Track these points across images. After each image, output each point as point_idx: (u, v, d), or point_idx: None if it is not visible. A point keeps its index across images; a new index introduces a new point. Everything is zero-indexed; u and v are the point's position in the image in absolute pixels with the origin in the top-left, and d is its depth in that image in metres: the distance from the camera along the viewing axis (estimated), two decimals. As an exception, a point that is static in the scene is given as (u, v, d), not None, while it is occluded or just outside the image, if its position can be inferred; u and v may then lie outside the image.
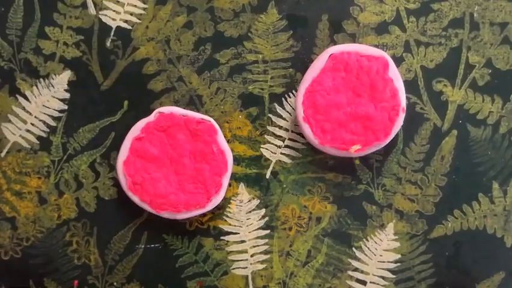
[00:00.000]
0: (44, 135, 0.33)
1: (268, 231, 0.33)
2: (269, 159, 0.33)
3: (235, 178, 0.33)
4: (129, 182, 0.31)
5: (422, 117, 0.33)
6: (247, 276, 0.33)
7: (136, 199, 0.31)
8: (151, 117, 0.31)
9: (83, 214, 0.33)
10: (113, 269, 0.33)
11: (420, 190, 0.33)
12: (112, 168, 0.33)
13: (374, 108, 0.31)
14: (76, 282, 0.33)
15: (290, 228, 0.33)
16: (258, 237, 0.33)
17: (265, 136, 0.33)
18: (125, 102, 0.33)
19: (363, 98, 0.31)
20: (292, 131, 0.33)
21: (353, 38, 0.33)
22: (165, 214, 0.31)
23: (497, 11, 0.33)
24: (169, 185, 0.31)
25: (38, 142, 0.33)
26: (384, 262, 0.33)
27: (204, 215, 0.33)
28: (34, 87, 0.33)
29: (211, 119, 0.32)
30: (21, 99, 0.33)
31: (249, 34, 0.33)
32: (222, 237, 0.33)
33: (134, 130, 0.31)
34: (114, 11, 0.33)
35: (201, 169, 0.31)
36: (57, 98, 0.33)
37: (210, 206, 0.32)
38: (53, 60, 0.33)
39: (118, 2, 0.33)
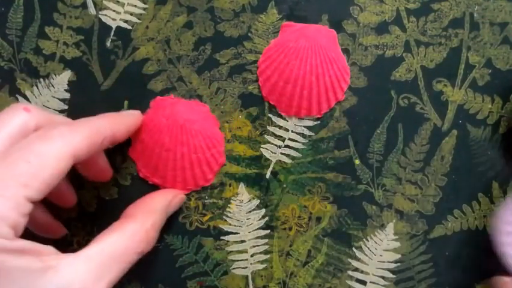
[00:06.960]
0: (44, 135, 0.33)
1: (268, 231, 0.33)
2: (269, 159, 0.33)
3: (235, 178, 0.33)
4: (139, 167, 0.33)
5: (422, 117, 0.33)
6: (247, 276, 0.33)
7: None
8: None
9: (84, 214, 0.33)
10: (113, 269, 0.33)
11: (420, 190, 0.33)
12: (112, 167, 0.33)
13: None
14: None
15: (290, 228, 0.33)
16: (258, 237, 0.33)
17: (265, 136, 0.33)
18: (125, 102, 0.33)
19: None
20: (292, 131, 0.33)
21: (353, 38, 0.33)
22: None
23: (497, 11, 0.33)
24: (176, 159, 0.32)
25: (38, 142, 0.33)
26: (384, 262, 0.33)
27: (204, 214, 0.33)
28: (34, 87, 0.33)
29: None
30: (21, 99, 0.33)
31: (249, 34, 0.33)
32: (222, 237, 0.33)
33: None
34: (114, 11, 0.33)
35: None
36: (57, 98, 0.33)
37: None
38: (53, 60, 0.33)
39: (118, 2, 0.33)
